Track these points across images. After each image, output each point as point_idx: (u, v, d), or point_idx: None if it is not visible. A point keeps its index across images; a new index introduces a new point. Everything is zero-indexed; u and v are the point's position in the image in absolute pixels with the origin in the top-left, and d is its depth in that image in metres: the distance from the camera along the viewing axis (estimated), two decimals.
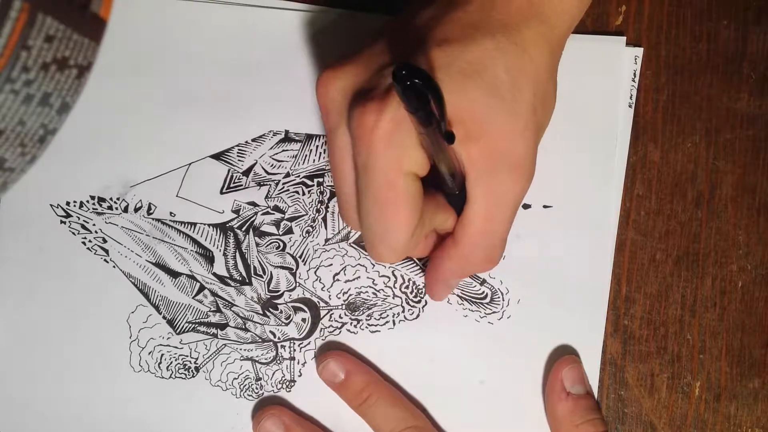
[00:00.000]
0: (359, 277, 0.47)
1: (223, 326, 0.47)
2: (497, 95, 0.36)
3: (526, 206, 0.46)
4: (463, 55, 0.36)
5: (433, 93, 0.30)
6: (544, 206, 0.46)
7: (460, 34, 0.37)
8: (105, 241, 0.47)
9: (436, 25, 0.37)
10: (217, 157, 0.47)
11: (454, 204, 0.39)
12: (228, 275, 0.47)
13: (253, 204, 0.47)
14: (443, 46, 0.36)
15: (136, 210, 0.47)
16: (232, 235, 0.47)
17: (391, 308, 0.46)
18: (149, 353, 0.46)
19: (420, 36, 0.37)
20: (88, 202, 0.47)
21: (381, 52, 0.38)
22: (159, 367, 0.46)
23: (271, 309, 0.47)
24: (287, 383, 0.46)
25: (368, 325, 0.46)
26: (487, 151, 0.36)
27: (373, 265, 0.47)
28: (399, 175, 0.36)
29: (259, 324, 0.47)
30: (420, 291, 0.47)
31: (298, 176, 0.47)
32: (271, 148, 0.47)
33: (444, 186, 0.39)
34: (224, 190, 0.47)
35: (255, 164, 0.47)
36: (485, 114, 0.36)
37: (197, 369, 0.46)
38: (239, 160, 0.47)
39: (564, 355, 0.46)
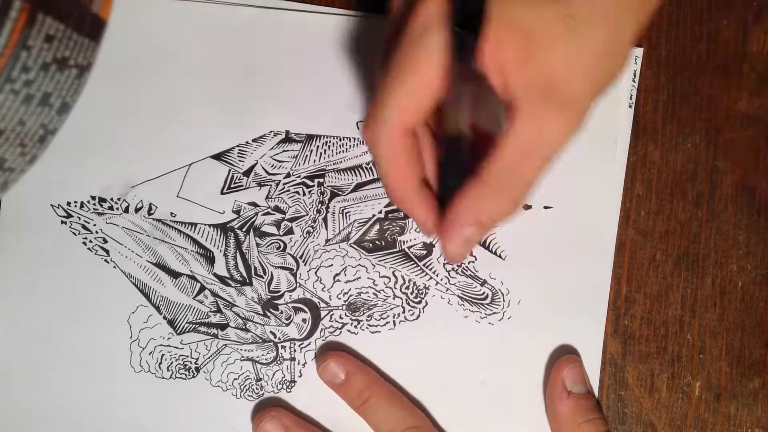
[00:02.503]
0: (360, 277, 0.47)
1: (223, 326, 0.47)
2: (569, 23, 0.34)
3: (527, 207, 0.46)
4: None
5: None
6: (545, 207, 0.46)
7: None
8: (106, 241, 0.47)
9: None
10: (217, 157, 0.47)
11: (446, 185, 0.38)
12: (228, 276, 0.47)
13: (254, 204, 0.47)
14: None
15: (137, 210, 0.47)
16: (232, 235, 0.47)
17: (391, 309, 0.46)
18: (150, 353, 0.46)
19: None
20: (88, 202, 0.47)
21: None
22: (159, 367, 0.46)
23: (271, 309, 0.47)
24: (287, 384, 0.46)
25: (369, 325, 0.46)
26: (542, 79, 0.34)
27: (374, 266, 0.47)
28: (431, 31, 0.34)
29: (260, 324, 0.47)
30: (420, 291, 0.47)
31: (299, 177, 0.47)
32: (271, 149, 0.47)
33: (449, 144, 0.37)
34: (225, 191, 0.47)
35: (255, 164, 0.47)
36: (553, 38, 0.34)
37: (198, 369, 0.46)
38: (240, 161, 0.47)
39: (564, 355, 0.46)
